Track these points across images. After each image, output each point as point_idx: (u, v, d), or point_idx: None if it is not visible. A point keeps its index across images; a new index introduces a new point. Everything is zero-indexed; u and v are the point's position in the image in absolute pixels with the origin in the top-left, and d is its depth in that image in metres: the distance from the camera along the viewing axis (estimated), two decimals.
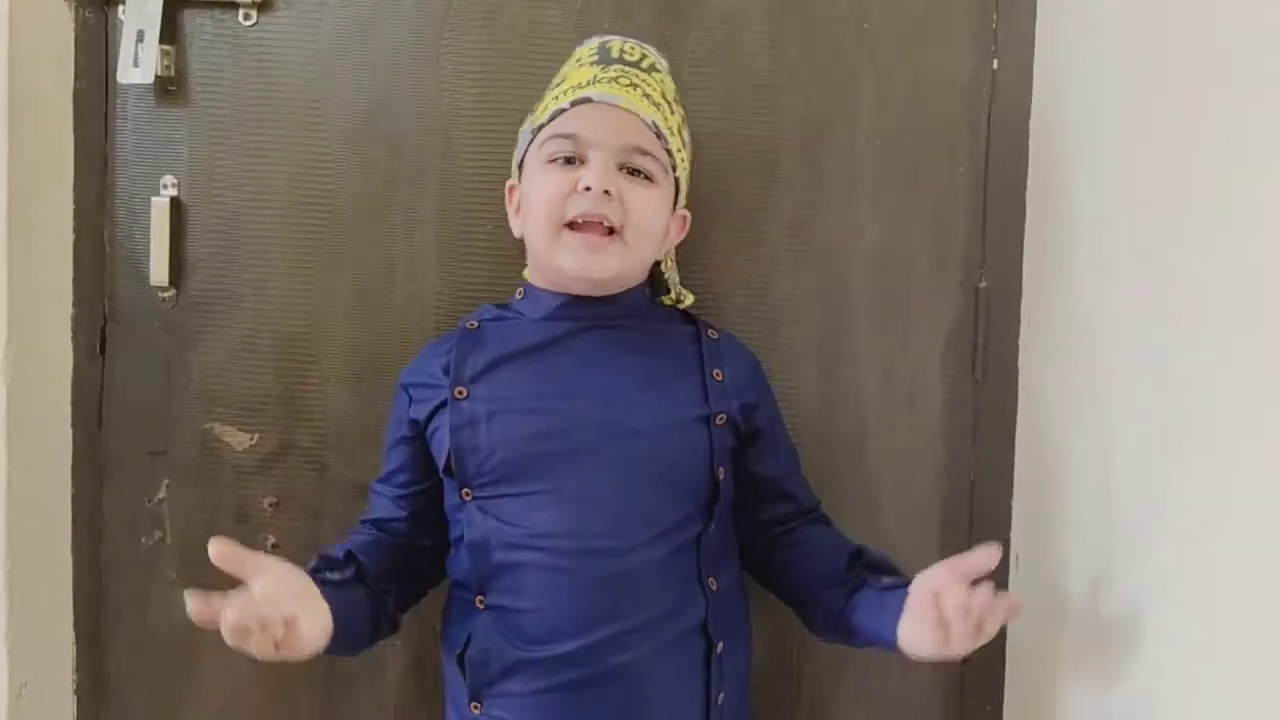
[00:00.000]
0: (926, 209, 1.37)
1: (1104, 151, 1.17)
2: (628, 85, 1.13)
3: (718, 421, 1.13)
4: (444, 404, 1.12)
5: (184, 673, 1.39)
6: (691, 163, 1.20)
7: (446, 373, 1.13)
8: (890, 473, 1.39)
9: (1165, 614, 1.00)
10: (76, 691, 1.39)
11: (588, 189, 1.08)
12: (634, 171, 1.11)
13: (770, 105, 1.36)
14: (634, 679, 1.06)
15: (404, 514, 1.19)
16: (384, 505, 1.20)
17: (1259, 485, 0.85)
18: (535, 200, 1.12)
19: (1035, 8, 1.35)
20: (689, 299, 1.25)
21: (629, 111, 1.12)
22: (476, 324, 1.18)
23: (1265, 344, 0.85)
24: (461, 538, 1.12)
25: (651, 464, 1.09)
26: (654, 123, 1.12)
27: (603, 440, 1.09)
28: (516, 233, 1.19)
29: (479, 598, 1.09)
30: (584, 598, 1.05)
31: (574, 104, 1.12)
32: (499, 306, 1.21)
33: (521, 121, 1.21)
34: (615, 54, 1.16)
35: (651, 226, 1.14)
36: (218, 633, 0.95)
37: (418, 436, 1.16)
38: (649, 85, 1.15)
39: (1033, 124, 1.35)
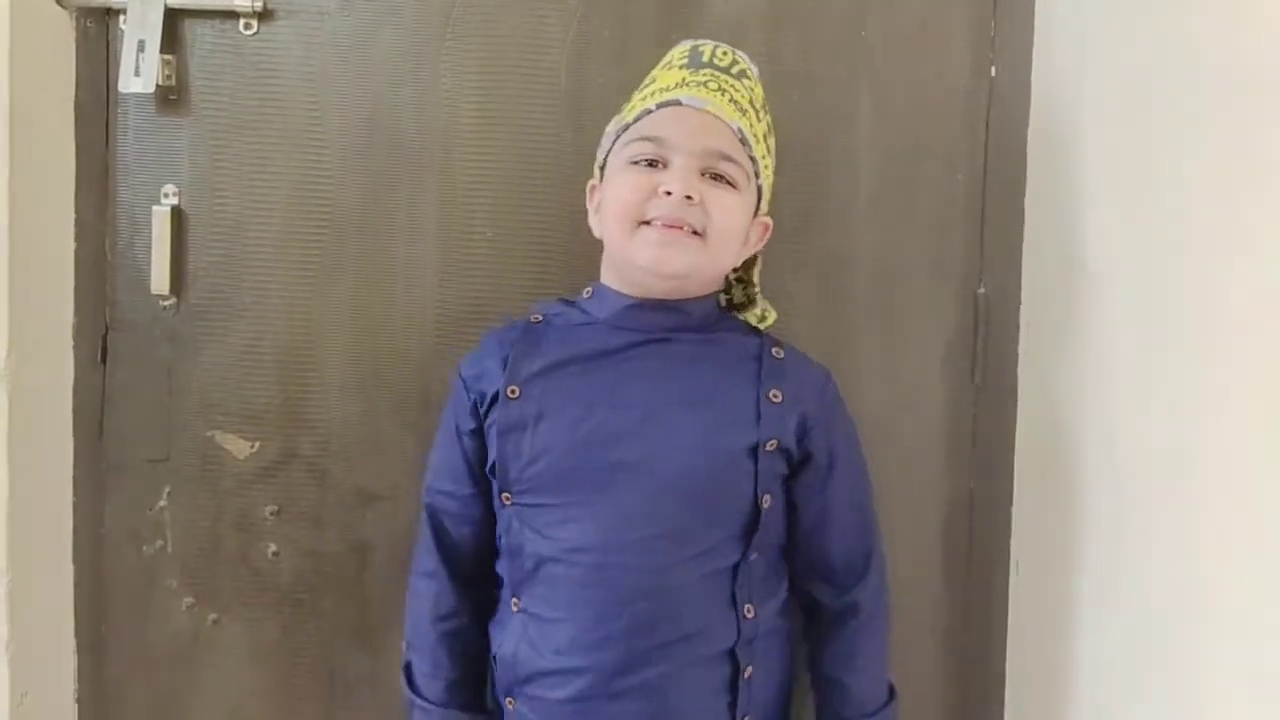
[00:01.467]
0: (925, 216, 1.38)
1: (1102, 158, 1.17)
2: (716, 90, 1.11)
3: (767, 447, 1.09)
4: (497, 399, 1.12)
5: (185, 682, 1.39)
6: (775, 171, 1.18)
7: (505, 366, 1.13)
8: (890, 480, 1.38)
9: (1168, 621, 1.00)
10: (78, 700, 1.39)
11: (668, 193, 1.07)
12: (716, 176, 1.09)
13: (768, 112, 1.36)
14: (659, 695, 1.06)
15: (477, 515, 1.16)
16: (452, 517, 1.17)
17: (1263, 490, 0.85)
18: (613, 199, 1.10)
19: (1033, 15, 1.36)
20: (772, 317, 1.21)
21: (715, 116, 1.09)
22: (540, 318, 1.17)
23: (1264, 349, 0.85)
24: (501, 537, 1.13)
25: (689, 486, 1.07)
26: (739, 129, 1.10)
27: (642, 458, 1.07)
28: (596, 232, 1.17)
29: (514, 600, 1.10)
30: (611, 614, 1.05)
31: (660, 106, 1.10)
32: (566, 303, 1.19)
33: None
34: (706, 58, 1.14)
35: (733, 231, 1.11)
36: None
37: (479, 430, 1.15)
38: (737, 91, 1.12)
39: (1031, 131, 1.35)
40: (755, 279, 1.22)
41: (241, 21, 1.35)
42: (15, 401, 1.26)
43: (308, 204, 1.37)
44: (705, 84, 1.11)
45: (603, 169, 1.16)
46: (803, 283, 1.38)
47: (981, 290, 1.38)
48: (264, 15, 1.35)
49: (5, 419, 1.25)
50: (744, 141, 1.10)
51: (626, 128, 1.12)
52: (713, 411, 1.10)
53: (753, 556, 1.09)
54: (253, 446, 1.38)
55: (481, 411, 1.14)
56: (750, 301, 1.21)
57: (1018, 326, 1.37)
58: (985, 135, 1.37)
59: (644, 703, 1.05)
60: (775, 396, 1.11)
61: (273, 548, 1.38)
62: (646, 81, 1.17)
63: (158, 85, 1.33)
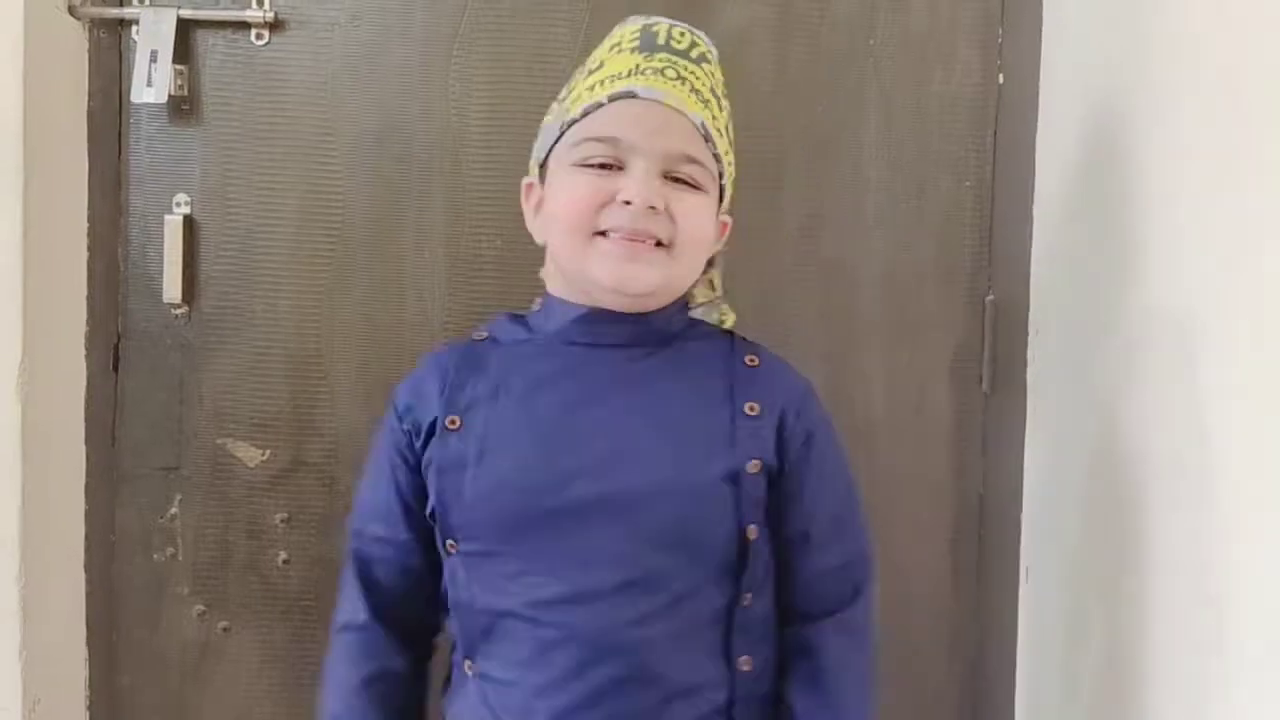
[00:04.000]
0: (933, 223, 1.38)
1: (1111, 165, 1.17)
2: (674, 79, 0.97)
3: (749, 470, 0.94)
4: (434, 430, 0.97)
5: (195, 688, 1.40)
6: (735, 162, 1.05)
7: (443, 393, 0.98)
8: (899, 487, 1.39)
9: (1180, 628, 1.00)
10: (89, 707, 1.40)
11: (627, 203, 0.93)
12: (677, 179, 0.96)
13: (776, 121, 1.37)
14: None
15: (416, 564, 1.00)
16: (386, 565, 1.00)
17: (1277, 496, 0.85)
18: (564, 206, 0.96)
19: (1040, 23, 1.36)
20: (730, 319, 1.08)
21: (676, 110, 0.96)
22: (485, 335, 1.04)
23: (1275, 353, 0.85)
24: (447, 591, 0.98)
25: (662, 524, 0.92)
26: (702, 123, 0.97)
27: (604, 495, 0.92)
28: (538, 238, 1.02)
29: (468, 663, 0.96)
30: (583, 674, 0.91)
31: (612, 99, 0.96)
32: (514, 318, 1.04)
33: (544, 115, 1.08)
34: (661, 40, 0.99)
35: (702, 240, 1.00)
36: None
37: (416, 467, 0.99)
38: (698, 78, 0.98)
39: (1039, 138, 1.36)
40: (717, 282, 1.09)
41: (253, 32, 1.36)
42: (28, 409, 1.27)
43: (318, 213, 1.37)
44: (662, 71, 0.97)
45: (543, 166, 1.01)
46: (811, 290, 1.38)
47: (990, 297, 1.38)
48: (275, 26, 1.36)
49: (18, 427, 1.26)
50: (707, 138, 0.97)
51: (573, 123, 0.97)
52: (683, 435, 0.95)
53: (746, 599, 0.94)
54: (263, 455, 1.39)
55: (417, 445, 0.98)
56: (711, 303, 1.08)
57: (1027, 333, 1.37)
58: (993, 143, 1.38)
59: None
60: (752, 409, 0.96)
61: (283, 555, 1.39)
62: (592, 65, 1.02)
63: (170, 95, 1.34)
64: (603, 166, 0.95)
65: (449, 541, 0.96)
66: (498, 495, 0.94)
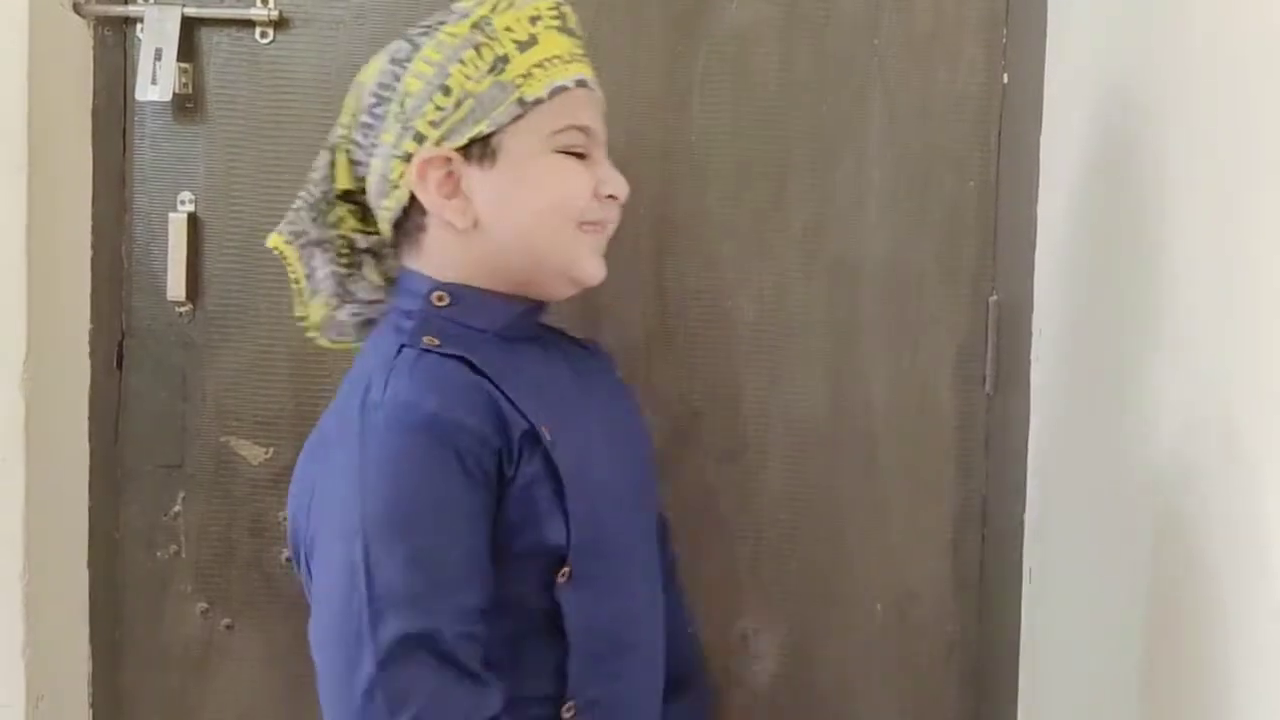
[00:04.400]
0: (937, 223, 1.38)
1: (1115, 165, 1.17)
2: (590, 64, 0.99)
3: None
4: (523, 447, 0.87)
5: (198, 686, 1.40)
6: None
7: (507, 398, 0.88)
8: (901, 487, 1.39)
9: (1184, 632, 1.00)
10: (92, 705, 1.40)
11: (611, 197, 0.96)
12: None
13: (780, 120, 1.37)
14: None
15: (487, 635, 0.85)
16: (476, 642, 0.83)
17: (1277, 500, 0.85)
18: (558, 194, 0.93)
19: (1045, 22, 1.36)
20: None
21: (601, 99, 0.99)
22: (436, 342, 0.92)
23: (1278, 355, 0.85)
24: (527, 632, 0.88)
25: (655, 507, 1.03)
26: None
27: (646, 490, 0.96)
28: (463, 222, 0.93)
29: (566, 707, 0.87)
30: (656, 693, 0.94)
31: (578, 84, 0.95)
32: (439, 321, 0.93)
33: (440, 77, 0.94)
34: (573, 23, 0.98)
35: None
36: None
37: (499, 498, 0.86)
38: None
39: (1043, 138, 1.35)
40: None
41: (258, 30, 1.36)
42: (32, 406, 1.27)
43: None
44: (585, 56, 0.98)
45: (483, 141, 0.92)
46: (814, 289, 1.38)
47: (994, 297, 1.38)
48: (280, 24, 1.36)
49: (22, 424, 1.26)
50: None
51: (537, 102, 0.92)
52: (643, 425, 1.05)
53: None
54: (267, 452, 1.39)
55: (509, 469, 0.86)
56: None
57: (1030, 334, 1.37)
58: (997, 142, 1.37)
59: None
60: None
61: (286, 554, 1.39)
62: (517, 35, 0.93)
63: (174, 93, 1.34)
64: (579, 155, 0.94)
65: (562, 570, 0.86)
66: (600, 506, 0.89)
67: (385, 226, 0.98)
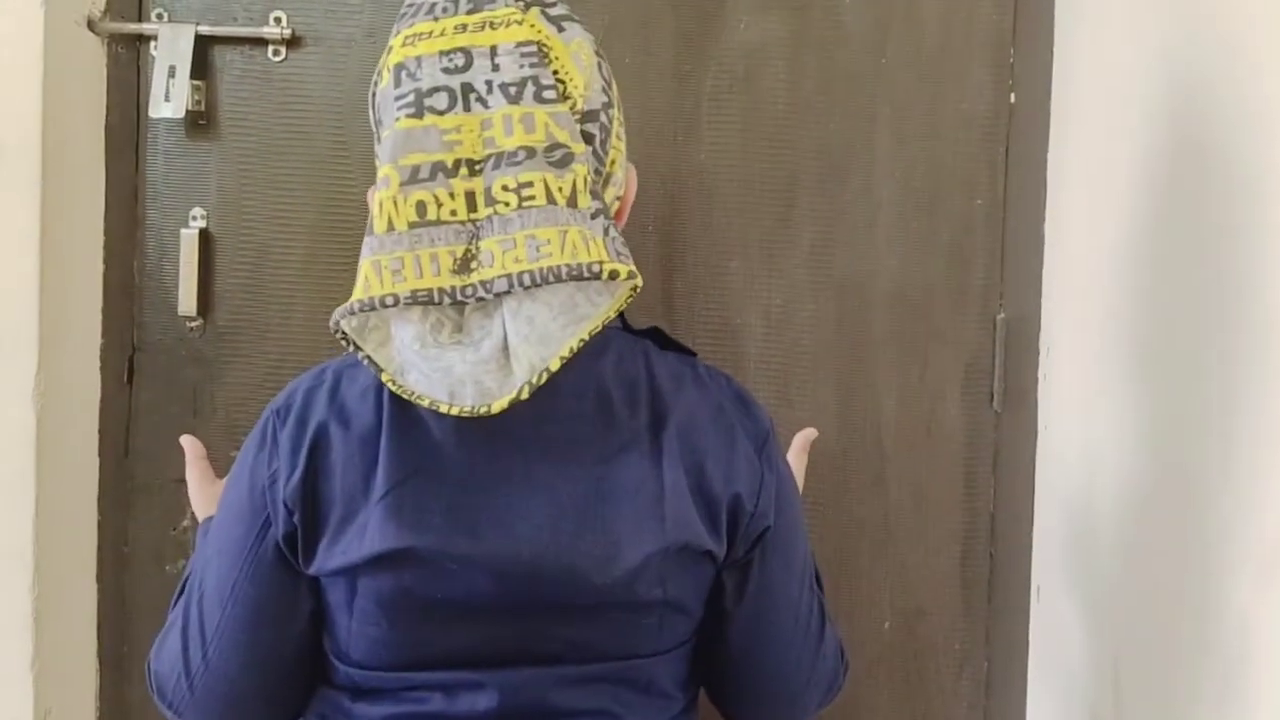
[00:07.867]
0: (945, 241, 1.38)
1: (1122, 183, 1.18)
2: None
3: None
4: None
5: None
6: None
7: None
8: (909, 504, 1.39)
9: (1193, 647, 1.00)
10: (100, 718, 1.40)
11: None
12: None
13: (788, 139, 1.38)
14: None
15: None
16: None
17: None
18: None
19: (1052, 41, 1.36)
20: None
21: None
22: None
23: None
24: None
25: None
26: None
27: None
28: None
29: None
30: None
31: None
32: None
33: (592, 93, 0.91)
34: None
35: None
36: None
37: None
38: None
39: (1050, 157, 1.36)
40: None
41: (270, 49, 1.38)
42: (43, 420, 1.28)
43: (333, 228, 1.38)
44: None
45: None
46: (822, 307, 1.38)
47: (1001, 315, 1.39)
48: (292, 43, 1.37)
49: (33, 438, 1.27)
50: None
51: None
52: None
53: None
54: None
55: None
56: None
57: (1038, 352, 1.37)
58: (1005, 161, 1.38)
59: None
60: None
61: None
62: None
63: (187, 110, 1.35)
64: None
65: None
66: None
67: None
